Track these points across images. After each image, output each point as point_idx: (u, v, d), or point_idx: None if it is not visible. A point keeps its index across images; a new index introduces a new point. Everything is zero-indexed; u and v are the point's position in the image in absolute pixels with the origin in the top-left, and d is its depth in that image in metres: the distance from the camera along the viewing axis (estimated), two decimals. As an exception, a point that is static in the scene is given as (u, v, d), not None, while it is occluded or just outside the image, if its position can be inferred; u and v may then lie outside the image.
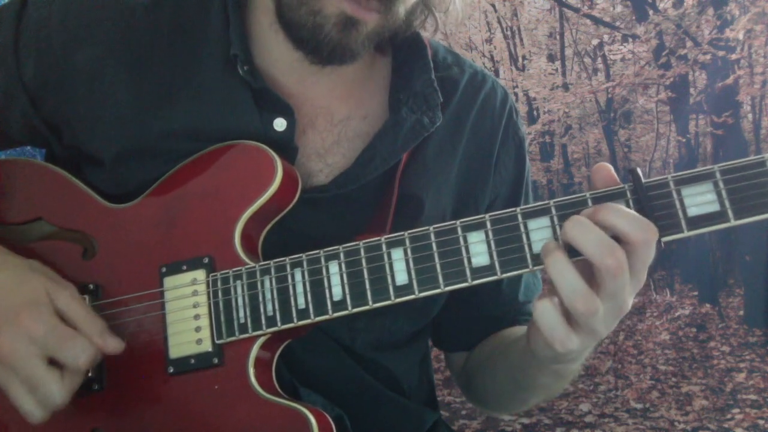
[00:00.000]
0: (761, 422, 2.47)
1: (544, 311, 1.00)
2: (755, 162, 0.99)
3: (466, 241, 1.07)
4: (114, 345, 1.14)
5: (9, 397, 1.11)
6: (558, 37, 2.56)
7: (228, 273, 1.17)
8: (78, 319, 1.13)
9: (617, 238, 0.98)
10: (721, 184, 1.00)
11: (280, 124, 1.26)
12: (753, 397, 2.48)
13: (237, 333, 1.15)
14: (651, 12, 2.49)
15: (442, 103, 1.33)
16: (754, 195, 0.98)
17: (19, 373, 1.09)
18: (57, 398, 1.10)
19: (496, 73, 2.57)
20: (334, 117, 1.33)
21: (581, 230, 0.97)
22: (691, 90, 2.50)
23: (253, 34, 1.31)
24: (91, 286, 1.21)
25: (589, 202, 1.03)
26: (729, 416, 2.48)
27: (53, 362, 1.10)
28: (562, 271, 0.98)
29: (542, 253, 1.01)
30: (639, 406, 2.52)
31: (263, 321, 1.14)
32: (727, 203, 0.99)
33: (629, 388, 2.53)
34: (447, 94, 1.36)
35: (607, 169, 1.04)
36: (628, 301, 1.02)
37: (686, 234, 1.01)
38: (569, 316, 1.00)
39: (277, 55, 1.30)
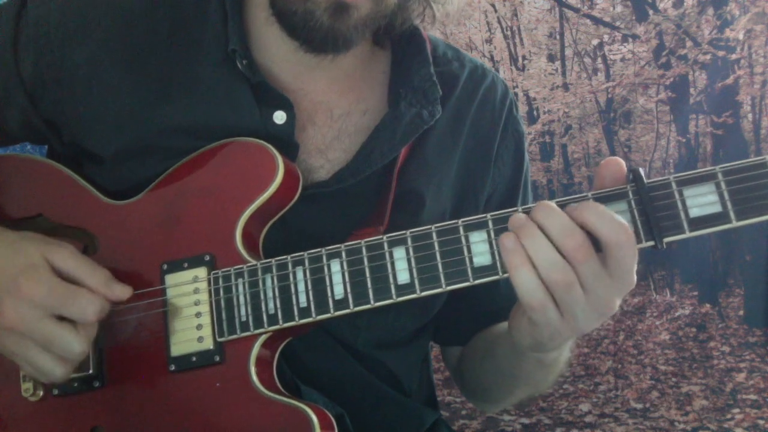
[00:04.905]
0: (761, 422, 2.47)
1: (523, 275, 1.01)
2: (757, 163, 1.00)
3: (467, 240, 1.07)
4: (120, 291, 1.15)
5: (27, 362, 1.12)
6: (558, 37, 2.56)
7: (229, 271, 1.17)
8: (79, 274, 1.13)
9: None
10: (723, 185, 1.00)
11: (280, 116, 1.26)
12: (753, 397, 2.48)
13: (238, 331, 1.15)
14: (651, 12, 2.49)
15: (441, 97, 1.34)
16: (756, 196, 0.99)
17: (31, 337, 1.10)
18: (76, 348, 1.11)
19: (496, 72, 2.56)
20: (334, 112, 1.33)
21: (546, 213, 1.00)
22: (691, 90, 2.50)
23: (251, 30, 1.31)
24: (92, 284, 1.21)
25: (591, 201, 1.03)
26: (729, 416, 2.48)
27: (64, 319, 1.11)
28: (537, 241, 1.00)
29: (512, 225, 1.02)
30: (639, 406, 2.52)
31: (265, 319, 1.15)
32: (729, 204, 1.00)
33: (629, 388, 2.53)
34: (447, 89, 1.37)
35: (617, 164, 1.05)
36: (612, 300, 1.03)
37: (688, 235, 1.01)
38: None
39: (274, 50, 1.30)
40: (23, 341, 1.10)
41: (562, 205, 1.03)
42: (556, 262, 0.99)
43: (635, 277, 1.02)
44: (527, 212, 1.03)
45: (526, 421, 2.55)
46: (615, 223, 0.98)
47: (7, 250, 1.16)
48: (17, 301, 1.10)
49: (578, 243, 0.98)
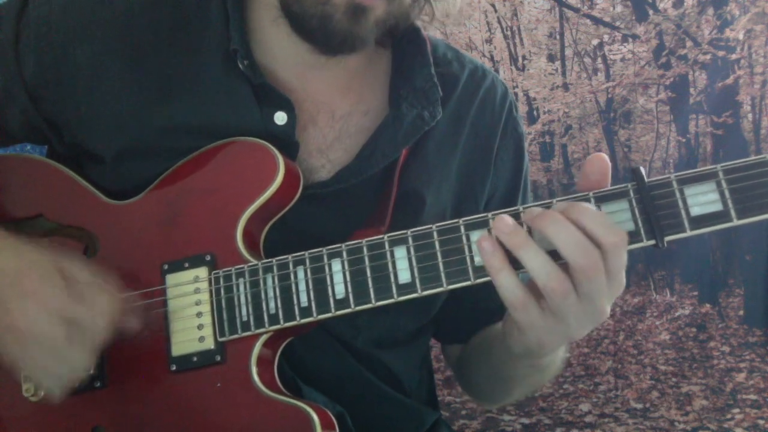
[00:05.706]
0: (761, 422, 2.47)
1: (504, 276, 1.01)
2: (758, 162, 1.00)
3: (468, 239, 1.07)
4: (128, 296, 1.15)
5: (31, 373, 1.11)
6: (558, 37, 2.56)
7: (230, 270, 1.17)
8: (89, 284, 1.11)
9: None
10: (724, 184, 1.00)
11: (281, 117, 1.26)
12: (753, 397, 2.48)
13: (239, 331, 1.15)
14: (651, 12, 2.49)
15: (442, 98, 1.34)
16: (757, 195, 0.99)
17: (41, 346, 1.06)
18: (83, 364, 1.10)
19: (496, 72, 2.56)
20: (335, 113, 1.33)
21: (557, 228, 0.98)
22: (691, 90, 2.50)
23: (253, 30, 1.31)
24: (93, 284, 1.21)
25: (592, 200, 1.03)
26: (729, 416, 2.48)
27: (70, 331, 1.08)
28: (535, 254, 0.99)
29: (508, 239, 1.01)
30: (639, 406, 2.52)
31: (266, 319, 1.15)
32: (729, 203, 1.00)
33: (629, 388, 2.53)
34: (447, 90, 1.37)
35: (602, 161, 1.05)
36: (605, 307, 1.03)
37: (689, 234, 1.01)
38: (539, 299, 1.02)
39: (277, 51, 1.30)
40: (31, 349, 1.07)
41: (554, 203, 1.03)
42: (553, 273, 0.99)
43: (625, 279, 1.02)
44: (532, 215, 1.02)
45: (526, 421, 2.55)
46: (612, 227, 0.98)
47: (15, 256, 1.12)
48: (29, 306, 1.06)
49: (594, 261, 0.97)
